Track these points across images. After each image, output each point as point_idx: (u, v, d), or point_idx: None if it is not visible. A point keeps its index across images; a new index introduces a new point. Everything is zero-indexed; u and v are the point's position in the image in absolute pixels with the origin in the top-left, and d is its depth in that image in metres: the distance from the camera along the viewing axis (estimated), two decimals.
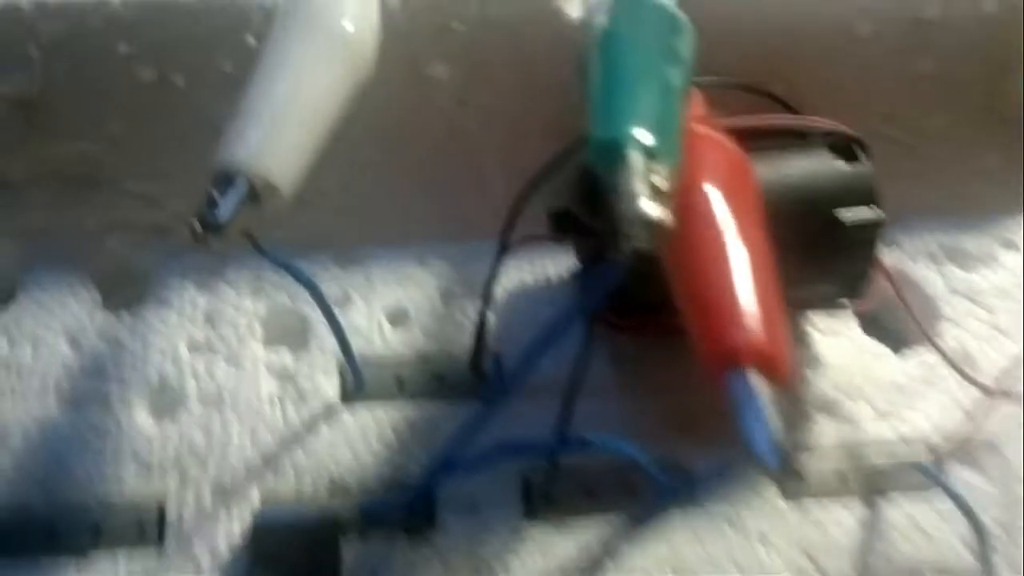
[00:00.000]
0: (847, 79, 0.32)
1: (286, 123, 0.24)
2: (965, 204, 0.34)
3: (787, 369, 0.20)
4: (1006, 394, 0.30)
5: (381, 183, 0.32)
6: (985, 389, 0.30)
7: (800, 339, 0.32)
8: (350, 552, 0.27)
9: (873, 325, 0.32)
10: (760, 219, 0.23)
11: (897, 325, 0.32)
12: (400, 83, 0.30)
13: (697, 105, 0.27)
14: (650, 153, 0.20)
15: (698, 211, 0.23)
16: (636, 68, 0.23)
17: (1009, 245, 0.34)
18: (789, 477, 0.20)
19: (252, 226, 0.24)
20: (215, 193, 0.23)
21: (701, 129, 0.25)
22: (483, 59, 0.30)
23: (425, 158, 0.32)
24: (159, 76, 0.31)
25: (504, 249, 0.29)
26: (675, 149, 0.21)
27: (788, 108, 0.31)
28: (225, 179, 0.23)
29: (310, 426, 0.29)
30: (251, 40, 0.30)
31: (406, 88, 0.30)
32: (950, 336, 0.32)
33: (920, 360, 0.32)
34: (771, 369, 0.20)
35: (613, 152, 0.21)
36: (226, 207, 0.22)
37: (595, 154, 0.21)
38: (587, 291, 0.21)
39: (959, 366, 0.30)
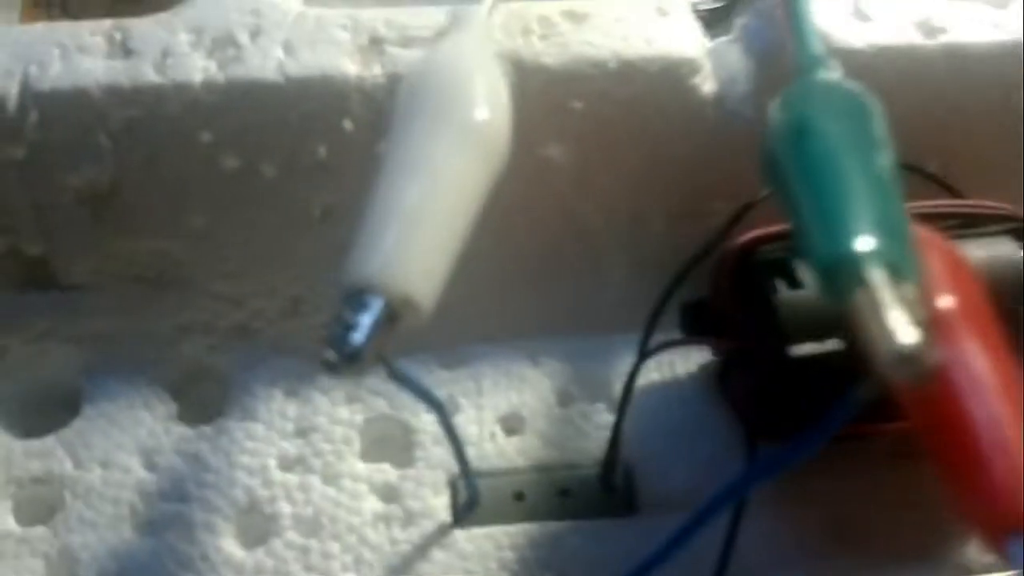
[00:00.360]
0: (1008, 152, 0.30)
1: (422, 229, 0.21)
2: None
3: None
4: None
5: (488, 275, 0.29)
6: None
7: None
8: None
9: None
10: (998, 328, 0.20)
11: None
12: (513, 165, 0.28)
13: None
14: (893, 268, 0.17)
15: (960, 338, 0.19)
16: (846, 162, 0.19)
17: None
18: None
19: (386, 348, 0.21)
20: (348, 315, 0.20)
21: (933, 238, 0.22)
22: (603, 140, 0.28)
23: (537, 246, 0.29)
24: (244, 165, 0.28)
25: (645, 355, 0.26)
26: (916, 258, 0.18)
27: (947, 189, 0.29)
28: (358, 299, 0.20)
29: (421, 551, 0.26)
30: (348, 124, 0.28)
31: (519, 171, 0.28)
32: None
33: None
34: None
35: (850, 271, 0.17)
36: (362, 331, 0.19)
37: (824, 276, 0.17)
38: (823, 423, 0.17)
39: None
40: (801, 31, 0.26)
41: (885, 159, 0.20)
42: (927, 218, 0.26)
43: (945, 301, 0.19)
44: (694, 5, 0.31)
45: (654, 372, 0.29)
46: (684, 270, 0.26)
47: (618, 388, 0.29)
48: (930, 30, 0.29)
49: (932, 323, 0.16)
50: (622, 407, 0.26)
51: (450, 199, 0.22)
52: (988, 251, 0.25)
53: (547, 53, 0.28)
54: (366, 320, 0.19)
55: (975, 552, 0.27)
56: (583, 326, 0.30)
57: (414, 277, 0.21)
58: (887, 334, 0.16)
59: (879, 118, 0.22)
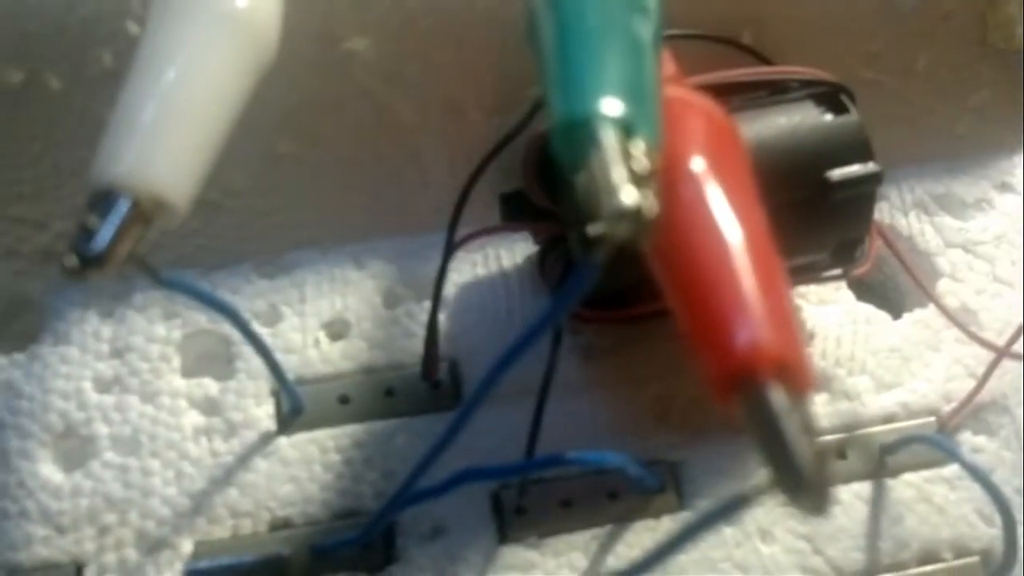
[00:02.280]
0: (822, 19, 0.31)
1: (173, 123, 0.21)
2: (957, 147, 0.33)
3: (810, 374, 0.18)
4: (1014, 354, 0.29)
5: (303, 179, 0.30)
6: (992, 347, 0.29)
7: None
8: None
9: (868, 291, 0.31)
10: (755, 193, 0.21)
11: (894, 288, 0.32)
12: (317, 61, 0.28)
13: (667, 63, 0.25)
14: (626, 128, 0.18)
15: (684, 195, 0.20)
16: (598, 24, 0.20)
17: (1006, 188, 0.33)
18: (824, 505, 0.17)
19: (144, 248, 0.21)
20: (93, 218, 0.20)
21: (675, 91, 0.23)
22: (410, 32, 0.29)
23: (352, 146, 0.30)
24: (28, 78, 0.28)
25: (452, 247, 0.27)
26: (654, 119, 0.19)
27: (760, 58, 0.30)
28: (105, 200, 0.20)
29: (244, 461, 0.28)
30: (132, 26, 0.28)
31: (326, 68, 0.29)
32: (949, 292, 0.31)
33: (920, 323, 0.31)
34: (792, 378, 0.17)
35: (581, 132, 0.18)
36: (105, 234, 0.20)
37: (559, 136, 0.18)
38: (559, 295, 0.18)
39: (966, 327, 0.29)
40: None
41: (646, 24, 0.21)
42: (732, 87, 0.28)
43: (694, 157, 0.21)
44: None
45: (480, 267, 0.31)
46: (483, 162, 0.27)
47: (445, 289, 0.30)
48: None
49: (656, 181, 0.18)
50: (435, 301, 0.28)
51: (204, 91, 0.22)
52: (791, 117, 0.27)
53: None
54: (111, 222, 0.20)
55: None
56: (407, 225, 0.31)
57: (164, 175, 0.21)
58: (606, 191, 0.17)
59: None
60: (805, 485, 0.16)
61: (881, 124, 0.32)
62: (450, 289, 0.30)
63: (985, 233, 0.32)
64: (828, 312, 0.31)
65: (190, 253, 0.30)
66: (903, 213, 0.32)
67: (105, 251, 0.20)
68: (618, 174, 0.17)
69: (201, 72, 0.23)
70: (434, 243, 0.29)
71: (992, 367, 0.29)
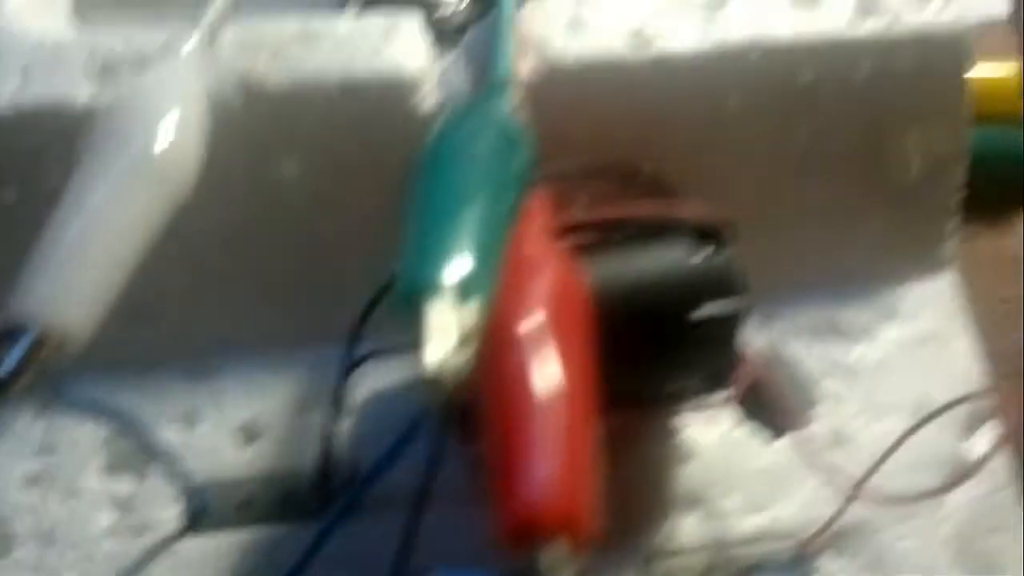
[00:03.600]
0: (720, 156, 0.34)
1: (81, 263, 0.25)
2: (846, 276, 0.36)
3: (590, 535, 0.21)
4: (869, 493, 0.31)
5: (229, 289, 0.33)
6: (844, 486, 0.32)
7: (670, 434, 0.34)
8: None
9: (750, 413, 0.34)
10: (588, 355, 0.24)
11: (773, 412, 0.34)
12: (246, 184, 0.32)
13: (538, 210, 0.28)
14: (459, 293, 0.21)
15: (509, 354, 0.23)
16: (456, 194, 0.23)
17: (891, 317, 0.36)
18: None
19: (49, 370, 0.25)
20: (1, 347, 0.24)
21: (529, 249, 0.26)
22: (334, 157, 0.32)
23: (277, 260, 0.33)
24: None
25: (351, 367, 0.30)
26: (488, 283, 0.22)
27: (660, 190, 0.33)
28: (12, 331, 0.24)
29: (149, 560, 0.31)
30: None
31: (253, 189, 0.32)
32: (826, 417, 0.34)
33: (795, 446, 0.33)
34: (576, 536, 0.20)
35: (416, 298, 0.21)
36: (9, 362, 0.23)
37: (397, 296, 0.21)
38: (389, 452, 0.21)
39: (820, 462, 0.32)
40: (496, 53, 0.30)
41: (504, 196, 0.24)
42: (621, 221, 0.31)
43: (526, 321, 0.24)
44: (435, 18, 0.35)
45: (385, 376, 0.34)
46: (379, 293, 0.30)
47: (356, 396, 0.33)
48: (642, 40, 0.33)
49: (476, 342, 0.20)
50: (333, 412, 0.31)
51: (115, 232, 0.26)
52: (666, 252, 0.30)
53: (275, 74, 0.32)
54: (15, 353, 0.24)
55: (663, 539, 0.32)
56: (325, 337, 0.34)
57: (68, 311, 0.24)
58: (423, 358, 0.20)
59: (521, 157, 0.26)
60: None
61: (772, 253, 0.35)
62: (360, 397, 0.33)
63: (866, 360, 0.35)
64: (708, 433, 0.34)
65: (122, 356, 0.33)
66: (790, 338, 0.35)
67: (6, 379, 0.23)
68: (433, 345, 0.20)
69: (114, 213, 0.26)
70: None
71: (848, 501, 0.32)
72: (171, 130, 0.28)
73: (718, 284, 0.30)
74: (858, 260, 0.36)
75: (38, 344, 0.24)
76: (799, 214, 0.35)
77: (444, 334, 0.21)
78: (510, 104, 0.29)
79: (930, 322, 0.36)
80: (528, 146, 0.27)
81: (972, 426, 0.35)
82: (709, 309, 0.29)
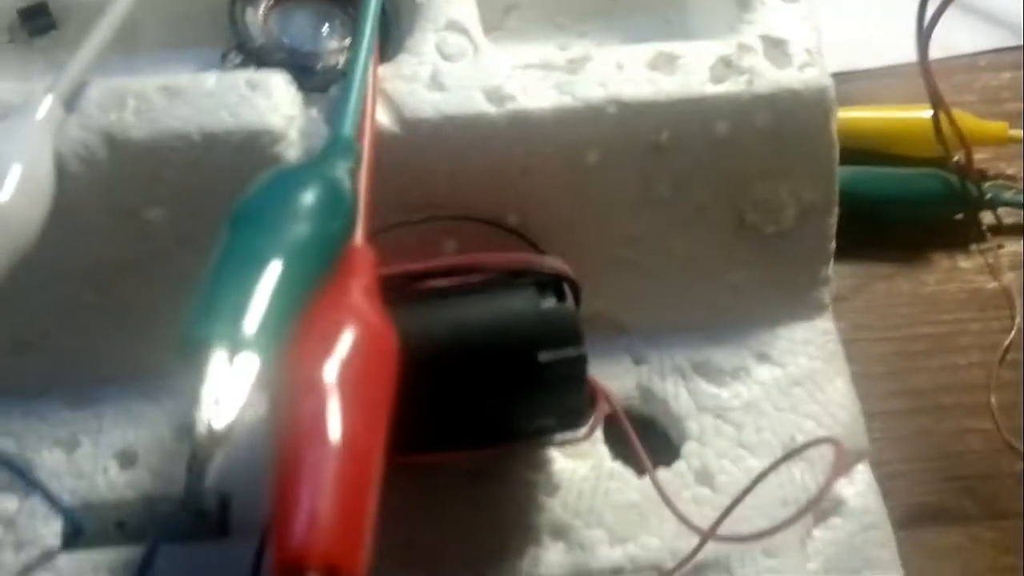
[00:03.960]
0: (582, 208, 0.36)
1: None
2: (718, 319, 0.38)
3: (360, 571, 0.22)
4: (728, 530, 0.32)
5: (106, 324, 0.35)
6: (696, 529, 0.33)
7: (538, 466, 0.35)
8: None
9: (619, 445, 0.36)
10: (384, 412, 0.25)
11: (637, 450, 0.35)
12: (115, 229, 0.34)
13: (364, 271, 0.28)
14: (243, 343, 0.22)
15: (298, 404, 0.24)
16: (258, 247, 0.24)
17: (763, 358, 0.37)
18: None
19: None
20: None
21: (346, 305, 0.26)
22: (199, 203, 0.34)
23: (150, 298, 0.35)
24: None
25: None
26: (275, 337, 0.23)
27: (525, 241, 0.35)
28: None
29: (27, 572, 0.32)
30: None
31: (122, 233, 0.34)
32: (693, 454, 0.35)
33: (661, 482, 0.35)
34: (340, 572, 0.21)
35: (193, 346, 0.22)
36: None
37: (180, 344, 0.23)
38: None
39: (680, 500, 0.33)
40: (340, 111, 0.31)
41: (314, 255, 0.25)
42: (467, 269, 0.32)
43: (322, 371, 0.25)
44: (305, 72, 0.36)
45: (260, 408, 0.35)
46: None
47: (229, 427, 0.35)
48: (499, 98, 0.35)
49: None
50: (197, 439, 0.32)
51: None
52: (513, 301, 0.31)
53: (137, 127, 0.34)
54: None
55: (526, 568, 0.33)
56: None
57: None
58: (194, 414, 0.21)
59: (341, 219, 0.27)
60: None
61: (642, 295, 0.37)
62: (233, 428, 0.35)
63: (737, 400, 0.36)
64: (577, 466, 0.35)
65: (7, 385, 0.35)
66: (661, 377, 0.37)
67: None
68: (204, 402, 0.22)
69: None
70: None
71: (705, 538, 0.33)
72: (14, 184, 0.29)
73: (563, 329, 0.31)
74: (731, 303, 0.38)
75: None
76: (668, 260, 0.37)
77: (216, 390, 0.22)
78: (346, 164, 0.30)
79: (804, 365, 0.37)
80: (349, 208, 0.28)
81: (846, 466, 0.36)
82: (554, 353, 0.31)
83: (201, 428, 0.21)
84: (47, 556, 0.33)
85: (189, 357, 0.22)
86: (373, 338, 0.26)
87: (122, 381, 0.35)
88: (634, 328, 0.37)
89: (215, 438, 0.21)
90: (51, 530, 0.33)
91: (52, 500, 0.32)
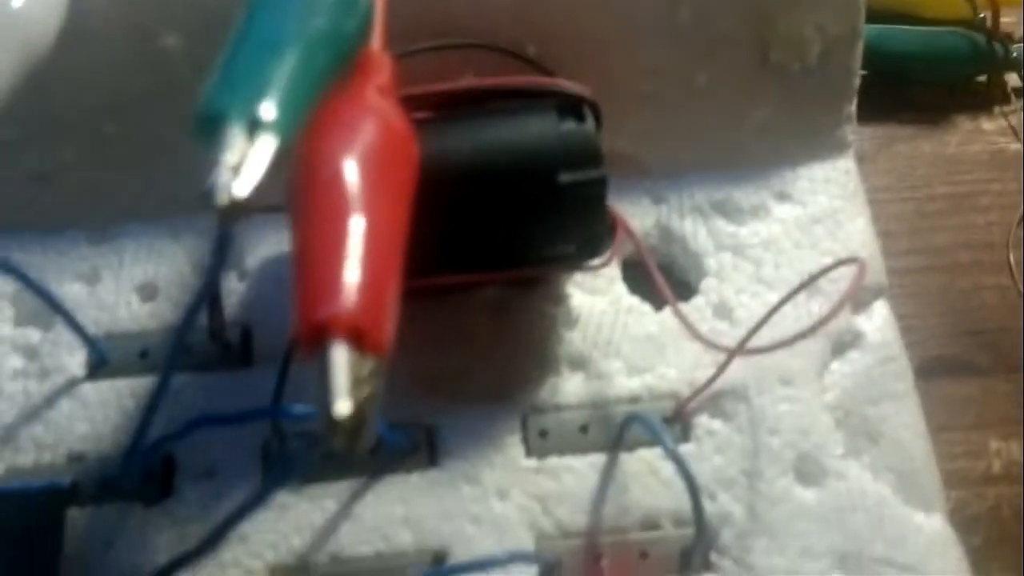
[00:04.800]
0: (603, 34, 0.35)
1: None
2: (739, 158, 0.38)
3: (383, 339, 0.22)
4: (747, 350, 0.33)
5: (128, 157, 0.35)
6: (721, 348, 0.33)
7: (558, 297, 0.35)
8: (83, 521, 0.31)
9: (637, 283, 0.36)
10: (401, 200, 0.25)
11: (657, 284, 0.36)
12: (133, 56, 0.34)
13: (380, 72, 0.28)
14: (261, 124, 0.22)
15: (317, 179, 0.24)
16: (279, 30, 0.24)
17: (783, 197, 0.37)
18: (353, 446, 0.21)
19: None
20: None
21: (363, 98, 0.26)
22: (217, 26, 0.33)
23: (171, 130, 0.35)
24: None
25: (225, 239, 0.32)
26: (292, 121, 0.22)
27: (542, 70, 0.35)
28: None
29: (51, 401, 0.33)
30: None
31: (140, 61, 0.34)
32: (711, 290, 0.35)
33: (677, 317, 0.35)
34: (363, 339, 0.21)
35: (210, 123, 0.22)
36: None
37: (196, 121, 0.22)
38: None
39: (696, 329, 0.33)
40: None
41: (332, 46, 0.25)
42: (484, 93, 0.32)
43: (344, 154, 0.25)
44: None
45: (282, 244, 0.35)
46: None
47: (249, 260, 0.35)
48: None
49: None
50: (212, 272, 0.32)
51: None
52: (532, 123, 0.31)
53: None
54: None
55: (545, 396, 0.33)
56: None
57: None
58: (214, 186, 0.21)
59: (355, 21, 0.27)
60: (333, 425, 0.21)
61: (663, 135, 0.37)
62: (253, 261, 0.35)
63: (756, 238, 0.36)
64: (596, 300, 0.35)
65: (27, 219, 0.35)
66: (680, 216, 0.37)
67: None
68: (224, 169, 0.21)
69: None
70: (247, 222, 0.34)
71: (726, 363, 0.33)
72: None
73: (583, 151, 0.31)
74: (752, 143, 0.37)
75: None
76: (689, 96, 0.37)
77: (235, 161, 0.21)
78: None
79: (824, 203, 0.37)
80: (366, 10, 0.28)
81: (864, 302, 0.36)
82: (574, 175, 0.31)
83: (223, 195, 0.21)
84: (71, 384, 0.33)
85: (208, 135, 0.22)
86: (391, 131, 0.26)
87: (142, 217, 0.36)
88: (655, 168, 0.37)
89: (237, 206, 0.21)
90: (75, 360, 0.34)
91: (77, 328, 0.32)
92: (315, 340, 0.22)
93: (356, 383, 0.21)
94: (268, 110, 0.22)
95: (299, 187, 0.24)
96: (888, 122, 0.47)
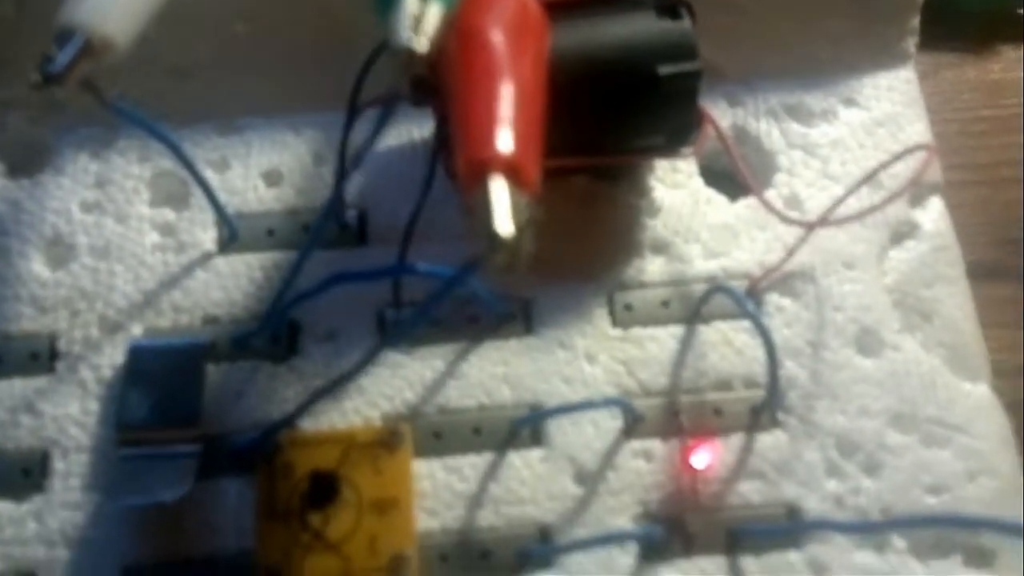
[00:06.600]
0: None
1: None
2: (813, 66, 0.41)
3: (533, 176, 0.26)
4: (824, 221, 0.36)
5: (256, 55, 0.39)
6: (799, 223, 0.36)
7: (642, 190, 0.39)
8: (218, 375, 0.35)
9: (714, 176, 0.39)
10: (539, 66, 0.29)
11: (734, 176, 0.39)
12: None
13: None
14: None
15: (474, 45, 0.28)
16: None
17: (850, 103, 0.40)
18: (513, 265, 0.25)
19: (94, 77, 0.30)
20: (55, 50, 0.28)
21: None
22: None
23: (296, 32, 0.39)
24: None
25: (354, 112, 0.36)
26: None
27: None
28: (64, 36, 0.28)
29: (187, 271, 0.37)
30: None
31: None
32: (783, 184, 0.39)
33: (752, 206, 0.38)
34: (515, 176, 0.25)
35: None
36: (62, 59, 0.28)
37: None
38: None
39: (774, 206, 0.37)
40: None
41: None
42: None
43: (492, 23, 0.29)
44: None
45: (392, 139, 0.39)
46: (379, 48, 0.35)
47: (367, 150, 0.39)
48: None
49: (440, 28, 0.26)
50: (341, 157, 0.36)
51: None
52: (634, 20, 0.34)
53: None
54: (68, 51, 0.29)
55: (630, 275, 0.37)
56: (338, 102, 0.39)
57: (112, 20, 0.29)
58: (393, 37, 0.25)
59: None
60: (497, 243, 0.24)
61: (741, 41, 0.40)
62: (369, 154, 0.39)
63: (824, 138, 0.40)
64: (676, 193, 0.39)
65: (162, 111, 0.39)
66: (755, 118, 0.40)
67: (61, 72, 0.29)
68: (404, 26, 0.26)
69: None
70: (360, 118, 0.38)
71: (800, 241, 0.36)
72: None
73: (680, 46, 0.34)
74: (824, 51, 0.41)
75: (86, 47, 0.29)
76: (769, 7, 0.40)
77: (411, 21, 0.26)
78: None
79: (887, 109, 0.40)
80: None
81: (921, 196, 0.39)
82: (672, 67, 0.34)
83: (401, 43, 0.25)
84: (206, 257, 0.37)
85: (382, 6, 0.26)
86: (530, 8, 0.30)
87: (266, 112, 0.40)
88: (732, 73, 0.40)
89: (415, 58, 0.25)
90: (208, 236, 0.38)
91: (214, 201, 0.36)
92: (478, 175, 0.25)
93: (515, 210, 0.25)
94: None
95: (458, 53, 0.28)
96: (935, 50, 0.49)
